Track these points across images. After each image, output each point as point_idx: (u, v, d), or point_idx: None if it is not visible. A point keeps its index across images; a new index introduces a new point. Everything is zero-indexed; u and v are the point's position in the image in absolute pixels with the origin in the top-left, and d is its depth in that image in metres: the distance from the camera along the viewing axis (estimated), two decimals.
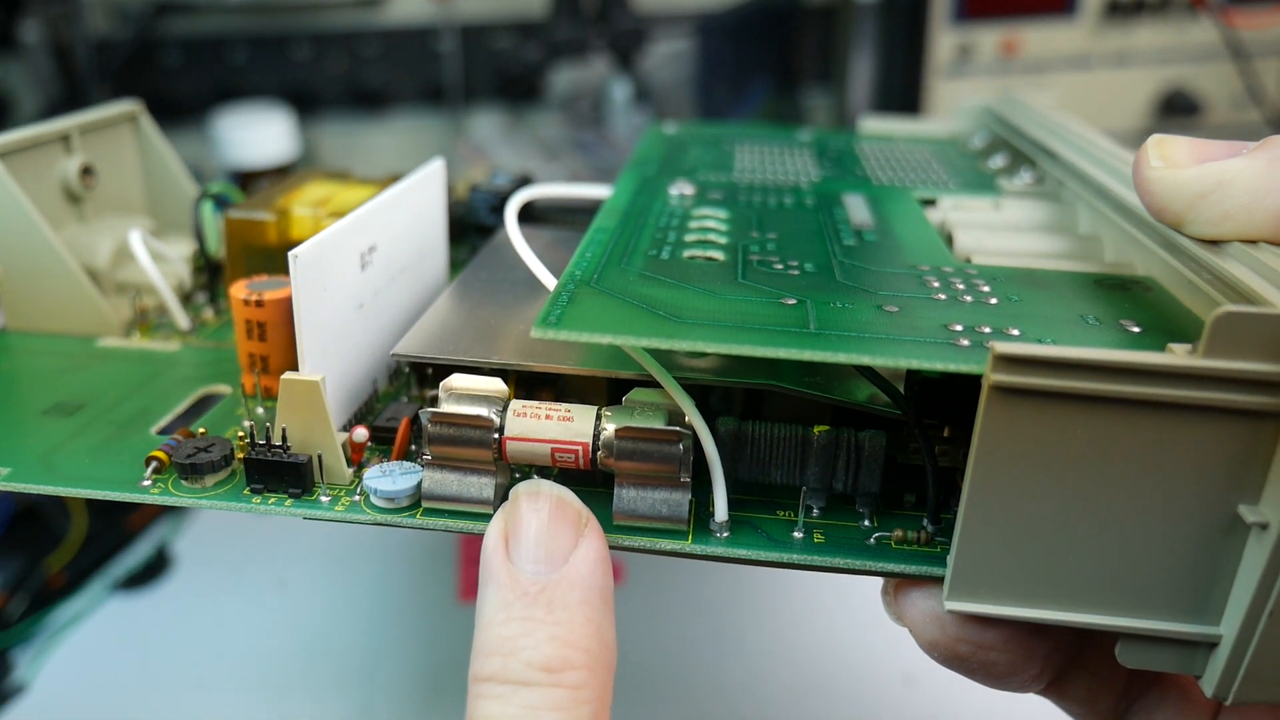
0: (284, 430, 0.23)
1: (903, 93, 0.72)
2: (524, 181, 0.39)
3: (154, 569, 0.46)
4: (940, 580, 0.22)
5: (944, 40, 0.70)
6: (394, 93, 0.76)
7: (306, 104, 0.74)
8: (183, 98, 0.72)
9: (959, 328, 0.21)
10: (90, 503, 0.46)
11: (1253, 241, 0.22)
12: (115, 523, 0.47)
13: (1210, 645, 0.20)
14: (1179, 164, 0.22)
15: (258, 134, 0.64)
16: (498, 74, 0.76)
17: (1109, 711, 0.25)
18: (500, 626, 0.19)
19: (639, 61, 0.72)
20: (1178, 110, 0.72)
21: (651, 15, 0.75)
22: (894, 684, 0.39)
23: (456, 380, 0.23)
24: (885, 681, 0.39)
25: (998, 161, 0.37)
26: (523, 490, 0.21)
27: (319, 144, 0.76)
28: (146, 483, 0.24)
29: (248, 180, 0.64)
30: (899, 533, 0.23)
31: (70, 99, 0.69)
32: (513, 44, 0.74)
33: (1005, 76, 0.71)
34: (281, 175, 0.64)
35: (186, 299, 0.34)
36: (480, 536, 0.22)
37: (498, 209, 0.37)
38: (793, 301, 0.23)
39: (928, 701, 0.38)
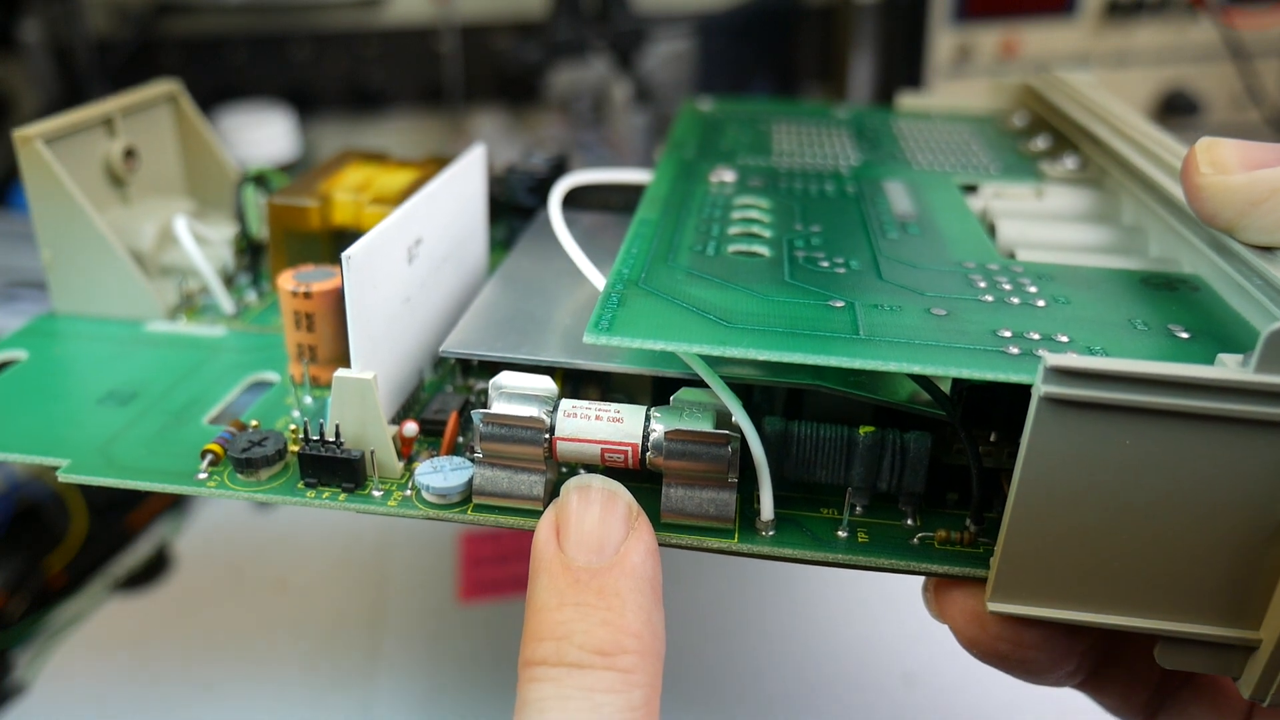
0: (337, 427, 0.24)
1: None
2: (561, 161, 0.39)
3: (154, 569, 0.46)
4: (982, 581, 0.22)
5: (944, 40, 0.70)
6: (394, 93, 0.76)
7: (306, 104, 0.74)
8: None
9: (1008, 334, 0.22)
10: (90, 502, 0.47)
11: None
12: (115, 523, 0.47)
13: (1249, 649, 0.21)
14: (1229, 170, 0.22)
15: (258, 134, 0.64)
16: (498, 74, 0.76)
17: (1143, 706, 0.25)
18: (553, 612, 0.20)
19: (639, 61, 0.72)
20: (1178, 110, 0.72)
21: (651, 15, 0.74)
22: (894, 684, 0.39)
23: (506, 378, 0.23)
24: (885, 681, 0.39)
25: (1039, 144, 0.37)
26: (574, 485, 0.22)
27: (319, 144, 0.76)
28: (203, 475, 0.25)
29: None
30: (942, 533, 0.23)
31: (70, 99, 0.69)
32: (513, 44, 0.74)
33: (1005, 76, 0.71)
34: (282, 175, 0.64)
35: (230, 281, 0.35)
36: (525, 533, 0.23)
37: (535, 190, 0.37)
38: (840, 304, 0.23)
39: (928, 701, 0.38)
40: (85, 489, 0.46)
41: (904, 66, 0.70)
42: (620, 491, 0.22)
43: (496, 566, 0.44)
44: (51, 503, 0.47)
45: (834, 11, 0.76)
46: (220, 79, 0.73)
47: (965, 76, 0.71)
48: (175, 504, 0.49)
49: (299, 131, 0.68)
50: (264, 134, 0.64)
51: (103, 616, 0.43)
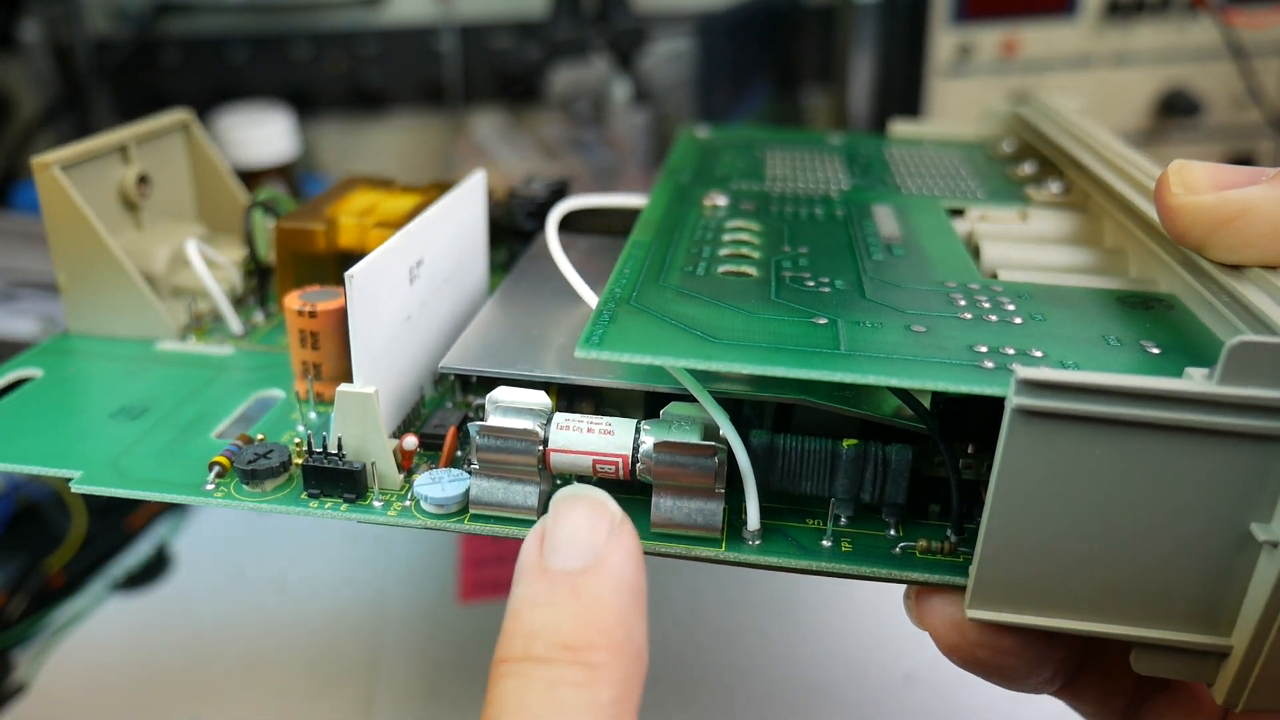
0: (339, 439, 0.25)
1: (903, 93, 0.73)
2: (561, 187, 0.40)
3: (154, 569, 0.46)
4: (961, 589, 0.23)
5: (944, 40, 0.70)
6: (394, 93, 0.77)
7: (306, 104, 0.75)
8: (183, 98, 0.73)
9: (984, 349, 0.22)
10: (90, 503, 0.47)
11: (1273, 267, 0.23)
12: (115, 523, 0.48)
13: (1221, 655, 0.21)
14: (1199, 191, 0.23)
15: (258, 134, 0.65)
16: (498, 74, 0.77)
17: (1119, 712, 0.26)
18: (525, 612, 0.20)
19: (639, 61, 0.73)
20: (1178, 110, 0.73)
21: (651, 15, 0.75)
22: (894, 684, 0.39)
23: (502, 393, 0.24)
24: (886, 681, 0.40)
25: (1026, 169, 0.38)
26: (560, 495, 0.22)
27: (319, 144, 0.77)
28: (210, 486, 0.26)
29: (248, 180, 0.65)
30: (923, 543, 0.24)
31: (70, 99, 0.70)
32: (513, 44, 0.75)
33: (1005, 76, 0.72)
34: (282, 175, 0.65)
35: (238, 303, 0.36)
36: (521, 542, 0.23)
37: (535, 214, 0.38)
38: (824, 321, 0.24)
39: (928, 701, 0.39)
40: None
41: (904, 66, 0.71)
42: (605, 500, 0.22)
43: (496, 567, 0.45)
44: (51, 503, 0.47)
45: (834, 11, 0.76)
46: (220, 79, 0.74)
47: (965, 76, 0.71)
48: (175, 504, 0.50)
49: (299, 131, 0.69)
50: (263, 134, 0.64)
51: (103, 616, 0.44)
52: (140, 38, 0.72)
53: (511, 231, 0.39)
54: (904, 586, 0.25)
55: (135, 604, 0.45)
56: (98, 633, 0.43)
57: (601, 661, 0.19)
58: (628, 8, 0.71)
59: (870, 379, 0.21)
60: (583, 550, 0.20)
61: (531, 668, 0.19)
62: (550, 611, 0.19)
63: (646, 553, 0.24)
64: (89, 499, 0.47)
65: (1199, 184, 0.23)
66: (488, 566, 0.45)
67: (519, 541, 0.23)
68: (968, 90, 0.71)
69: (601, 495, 0.22)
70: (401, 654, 0.41)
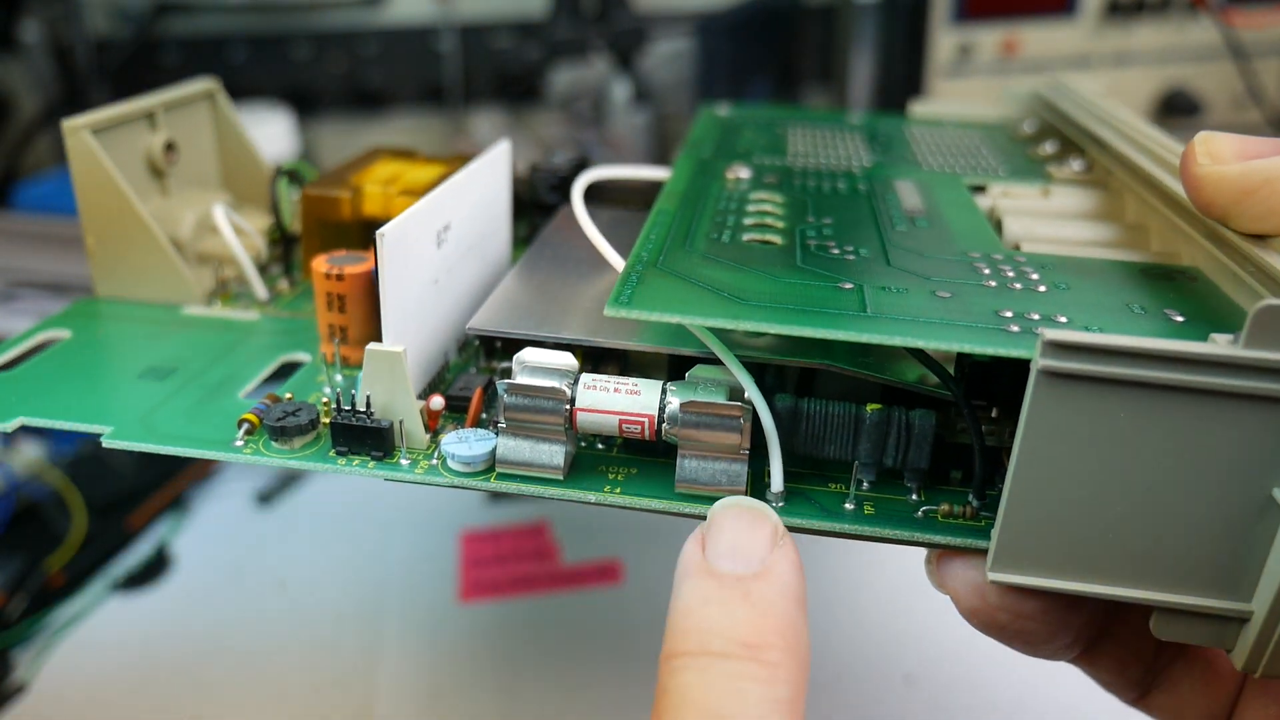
0: (368, 397, 0.25)
1: (903, 93, 0.73)
2: (582, 161, 0.40)
3: (154, 569, 0.46)
4: (983, 552, 0.23)
5: (944, 40, 0.71)
6: (394, 93, 0.77)
7: (306, 104, 0.75)
8: None
9: (1009, 314, 0.23)
10: (90, 502, 0.48)
11: None
12: (115, 523, 0.48)
13: (1241, 620, 0.21)
14: (1225, 161, 0.23)
15: (258, 133, 0.64)
16: (498, 74, 0.77)
17: (1136, 681, 0.26)
18: (697, 609, 0.20)
19: (639, 61, 0.73)
20: (1178, 110, 0.73)
21: (651, 15, 0.76)
22: (894, 684, 0.39)
23: (529, 354, 0.25)
24: (885, 681, 0.39)
25: (1047, 148, 0.38)
26: (721, 503, 0.22)
27: (319, 143, 0.77)
28: (239, 443, 0.26)
29: None
30: (945, 507, 0.24)
31: (70, 99, 0.70)
32: (513, 44, 0.75)
33: (1005, 76, 0.72)
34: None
35: (263, 270, 0.36)
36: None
37: (557, 188, 0.38)
38: (849, 286, 0.24)
39: (928, 701, 0.39)
40: (86, 489, 0.48)
41: (904, 66, 0.71)
42: (767, 511, 0.22)
43: (496, 566, 0.45)
44: (51, 503, 0.48)
45: (834, 11, 0.76)
46: (220, 79, 0.74)
47: (965, 76, 0.71)
48: (175, 504, 0.50)
49: (298, 131, 0.69)
50: (264, 134, 0.64)
51: (103, 616, 0.44)
52: (140, 38, 0.72)
53: (534, 205, 0.39)
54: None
55: (135, 604, 0.45)
56: (98, 633, 0.43)
57: (779, 661, 0.19)
58: (628, 8, 0.71)
59: (897, 340, 0.21)
60: (749, 556, 0.21)
61: (711, 662, 0.19)
62: (725, 610, 0.19)
63: (668, 513, 0.24)
64: (89, 497, 0.48)
65: (1224, 154, 0.23)
66: (488, 566, 0.45)
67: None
68: (968, 90, 0.72)
69: (762, 505, 0.22)
70: (401, 654, 0.41)
